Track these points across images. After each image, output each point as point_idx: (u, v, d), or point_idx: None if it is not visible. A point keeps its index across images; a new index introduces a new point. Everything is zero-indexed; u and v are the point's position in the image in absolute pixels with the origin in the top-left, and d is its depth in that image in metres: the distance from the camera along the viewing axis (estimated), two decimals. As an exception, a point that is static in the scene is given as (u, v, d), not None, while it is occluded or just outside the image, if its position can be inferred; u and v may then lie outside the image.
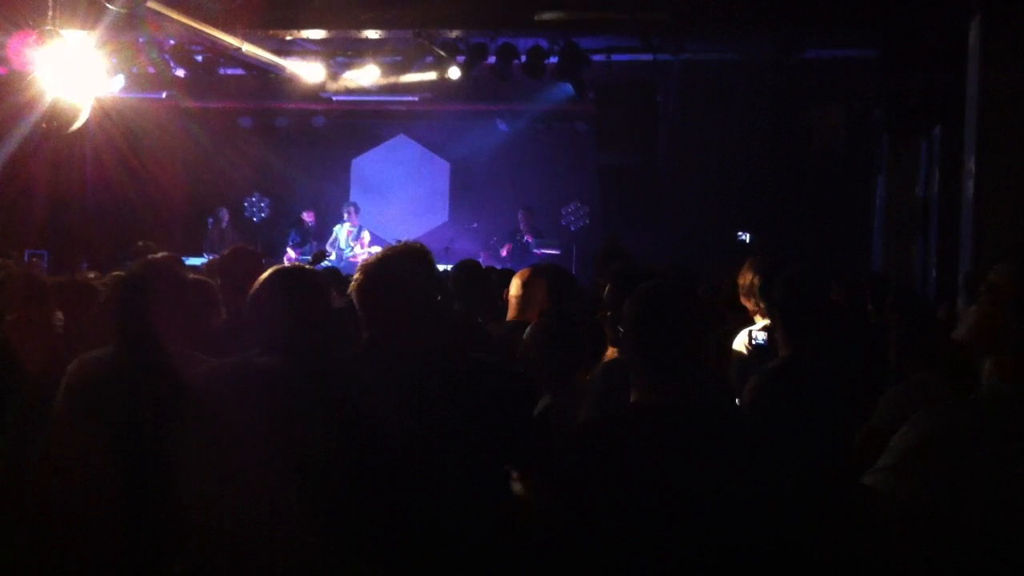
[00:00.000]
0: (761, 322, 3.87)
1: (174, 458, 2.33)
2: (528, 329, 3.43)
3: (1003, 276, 1.77)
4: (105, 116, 7.91)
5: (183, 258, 6.11)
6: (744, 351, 3.78)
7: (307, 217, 12.95)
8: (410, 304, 2.42)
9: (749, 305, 4.00)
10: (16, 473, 2.31)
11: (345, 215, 12.52)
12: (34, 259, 6.87)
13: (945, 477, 1.70)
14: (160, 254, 4.71)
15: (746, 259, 4.24)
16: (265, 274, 2.59)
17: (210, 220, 12.73)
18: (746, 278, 4.02)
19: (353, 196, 13.92)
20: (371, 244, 12.08)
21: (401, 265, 2.45)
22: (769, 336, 3.62)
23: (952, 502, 1.69)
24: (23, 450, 2.35)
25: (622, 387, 2.82)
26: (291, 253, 12.30)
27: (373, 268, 2.47)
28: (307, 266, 2.73)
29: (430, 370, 2.42)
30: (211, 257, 9.70)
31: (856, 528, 1.86)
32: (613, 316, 3.23)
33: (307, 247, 12.53)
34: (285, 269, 2.69)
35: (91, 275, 5.77)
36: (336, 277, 6.18)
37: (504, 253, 12.21)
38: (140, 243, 7.32)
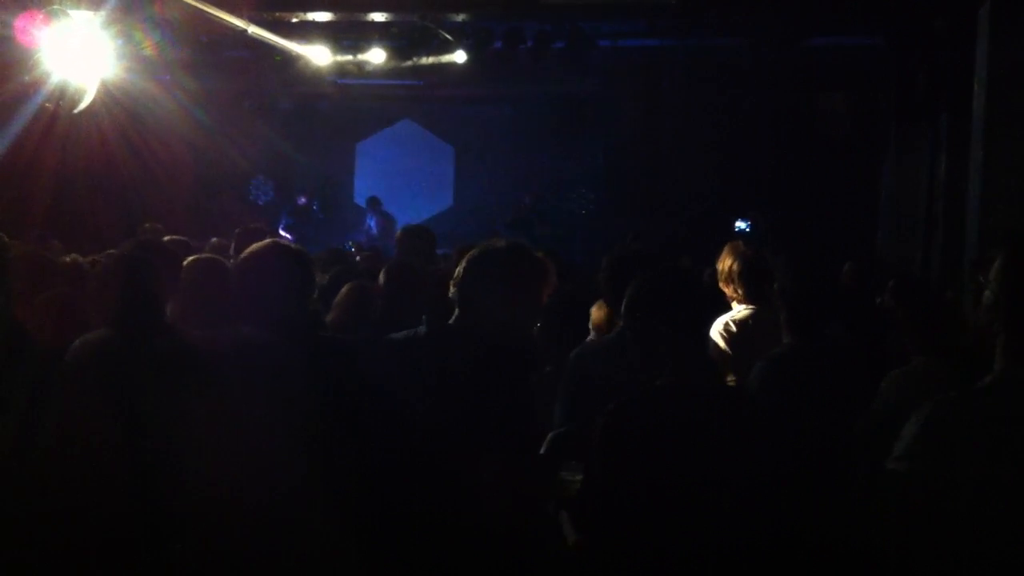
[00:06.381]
0: (739, 308, 3.76)
1: (176, 435, 2.35)
2: None
3: (1008, 256, 1.78)
4: (110, 97, 7.89)
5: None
6: (721, 341, 3.63)
7: (301, 200, 13.07)
8: (503, 295, 2.53)
9: (728, 291, 3.84)
10: (24, 447, 2.33)
11: (369, 214, 12.66)
12: (55, 243, 6.89)
13: (955, 466, 1.70)
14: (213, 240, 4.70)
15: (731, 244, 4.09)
16: (257, 247, 2.60)
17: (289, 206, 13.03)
18: (725, 263, 3.86)
19: (358, 180, 13.96)
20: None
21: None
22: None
23: (963, 491, 1.69)
24: (31, 425, 2.37)
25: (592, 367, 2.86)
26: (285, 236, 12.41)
27: (478, 259, 2.58)
28: (294, 244, 2.76)
29: (487, 352, 2.51)
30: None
31: (864, 512, 1.86)
32: (608, 299, 3.23)
33: (305, 229, 12.61)
34: (280, 244, 2.70)
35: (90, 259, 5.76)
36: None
37: (511, 222, 12.37)
38: (147, 225, 7.31)
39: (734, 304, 3.81)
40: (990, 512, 1.67)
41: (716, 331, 3.66)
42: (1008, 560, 1.66)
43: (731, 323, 3.68)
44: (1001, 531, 1.66)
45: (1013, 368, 1.72)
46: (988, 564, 1.67)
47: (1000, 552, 1.66)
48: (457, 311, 2.56)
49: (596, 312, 3.58)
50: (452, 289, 2.57)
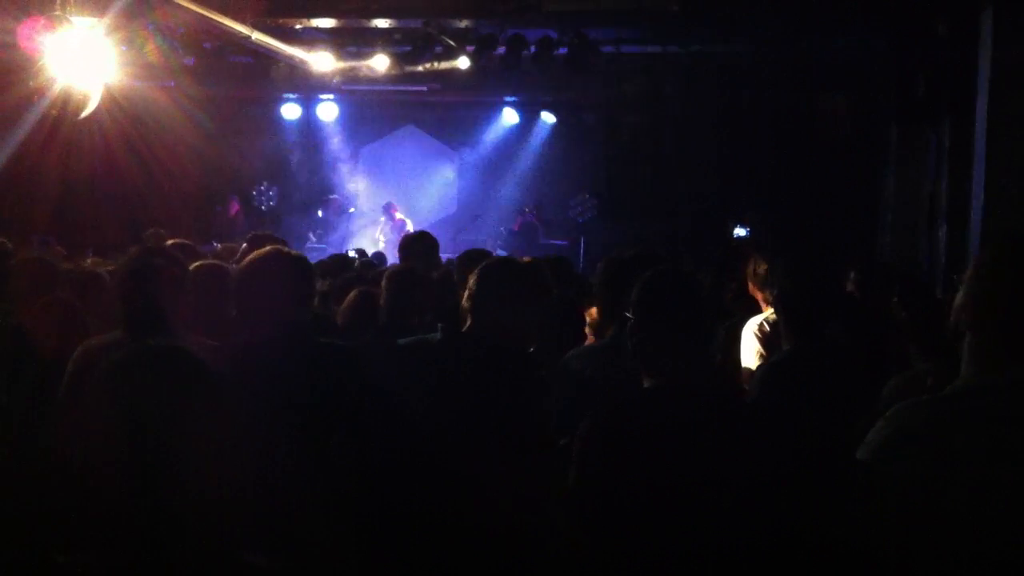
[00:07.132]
0: (769, 311, 3.72)
1: (178, 438, 2.35)
2: None
3: (983, 258, 1.77)
4: (114, 103, 7.93)
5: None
6: (756, 341, 3.63)
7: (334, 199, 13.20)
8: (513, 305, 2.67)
9: (760, 295, 3.85)
10: (26, 449, 2.34)
11: (382, 218, 12.62)
12: (58, 248, 6.92)
13: (921, 471, 1.68)
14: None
15: (746, 251, 4.13)
16: (260, 254, 2.62)
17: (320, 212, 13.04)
18: (753, 266, 3.88)
19: (361, 185, 13.97)
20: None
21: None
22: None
23: (929, 497, 1.67)
24: (33, 427, 2.39)
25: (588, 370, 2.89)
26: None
27: (489, 273, 2.72)
28: (293, 251, 2.81)
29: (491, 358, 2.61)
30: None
31: (861, 514, 1.85)
32: (604, 302, 3.24)
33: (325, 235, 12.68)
34: (281, 251, 2.72)
35: (90, 260, 5.78)
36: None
37: (516, 227, 12.32)
38: (150, 231, 7.33)
39: (766, 307, 3.78)
40: (970, 515, 1.65)
41: (751, 331, 3.67)
42: (993, 561, 1.65)
43: (765, 323, 3.66)
44: (985, 533, 1.65)
45: (1001, 370, 1.70)
46: (986, 564, 1.67)
47: (992, 554, 1.65)
48: (470, 320, 2.68)
49: (589, 315, 3.59)
50: (465, 301, 2.70)
